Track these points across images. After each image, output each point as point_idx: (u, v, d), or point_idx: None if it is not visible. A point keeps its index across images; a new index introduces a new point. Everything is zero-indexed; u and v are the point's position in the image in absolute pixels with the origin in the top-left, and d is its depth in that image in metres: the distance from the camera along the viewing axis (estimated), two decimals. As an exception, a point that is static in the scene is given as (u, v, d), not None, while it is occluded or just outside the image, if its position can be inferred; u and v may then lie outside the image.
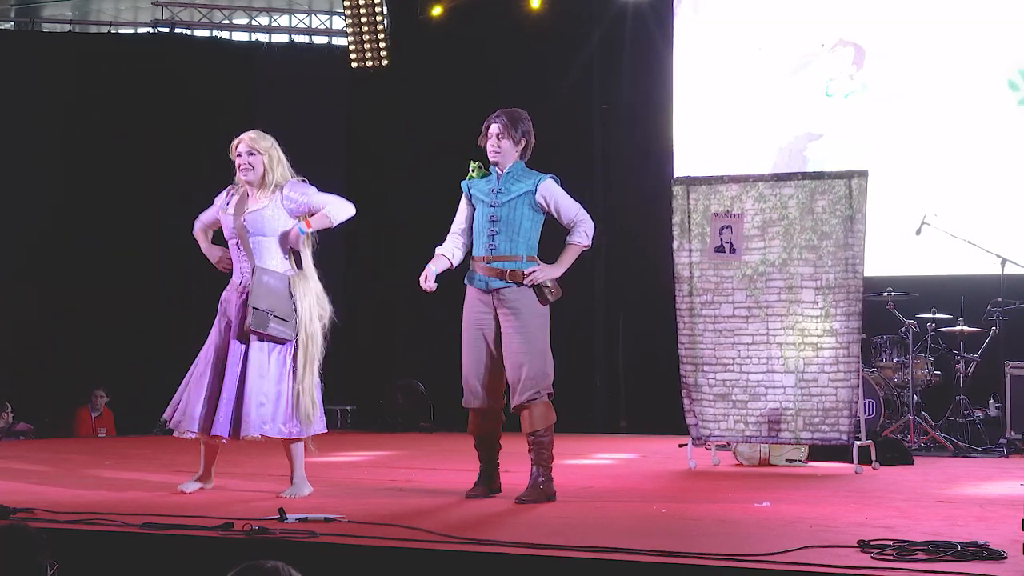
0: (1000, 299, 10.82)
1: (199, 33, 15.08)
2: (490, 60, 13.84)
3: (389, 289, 14.10)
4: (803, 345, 8.56)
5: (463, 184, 7.12)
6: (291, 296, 6.94)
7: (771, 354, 8.65)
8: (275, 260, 6.96)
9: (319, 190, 7.23)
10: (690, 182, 9.08)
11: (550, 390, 6.76)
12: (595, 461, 9.66)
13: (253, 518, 5.33)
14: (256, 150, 7.00)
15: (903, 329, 10.82)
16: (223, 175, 14.12)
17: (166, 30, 14.85)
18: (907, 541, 4.79)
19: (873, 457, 8.76)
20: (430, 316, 13.87)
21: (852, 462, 8.51)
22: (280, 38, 15.24)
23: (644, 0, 13.41)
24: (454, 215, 7.22)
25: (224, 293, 7.01)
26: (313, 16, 15.27)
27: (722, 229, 8.84)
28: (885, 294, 10.84)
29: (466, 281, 7.01)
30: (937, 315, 10.95)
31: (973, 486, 7.78)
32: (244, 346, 6.78)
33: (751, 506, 6.33)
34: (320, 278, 7.35)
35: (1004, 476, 8.24)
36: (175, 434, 6.87)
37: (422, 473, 8.42)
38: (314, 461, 9.44)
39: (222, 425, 6.71)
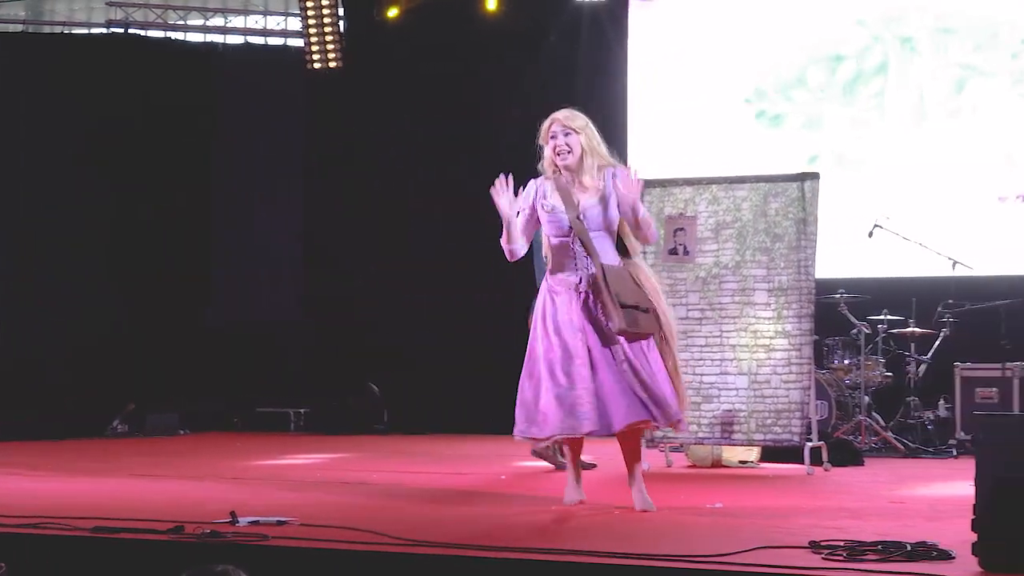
0: (951, 301, 10.91)
1: (153, 34, 14.99)
2: (448, 62, 13.82)
3: (346, 291, 14.08)
4: (756, 347, 8.60)
5: None
6: (639, 286, 6.32)
7: (724, 356, 8.69)
8: (611, 253, 6.39)
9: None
10: (644, 184, 9.09)
11: None
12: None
13: (204, 521, 5.31)
14: (572, 129, 6.37)
15: (855, 331, 10.88)
16: (184, 173, 14.26)
17: (120, 31, 14.76)
18: (858, 541, 4.83)
19: (825, 458, 8.80)
20: (386, 318, 13.91)
21: (804, 463, 8.56)
22: (235, 39, 15.17)
23: (600, 1, 13.45)
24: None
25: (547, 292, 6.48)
26: (268, 17, 15.21)
27: (676, 231, 8.88)
28: (837, 296, 10.89)
29: None
30: (888, 317, 11.02)
31: (923, 487, 7.85)
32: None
33: (704, 507, 6.36)
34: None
35: (954, 477, 8.29)
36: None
37: (377, 475, 8.40)
38: (267, 464, 9.44)
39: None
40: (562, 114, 6.40)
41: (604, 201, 6.31)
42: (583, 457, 8.49)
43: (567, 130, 6.34)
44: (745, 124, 12.71)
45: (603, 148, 6.40)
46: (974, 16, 12.07)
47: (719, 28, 12.95)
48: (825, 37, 12.55)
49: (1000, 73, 12.00)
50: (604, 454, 8.48)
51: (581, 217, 6.28)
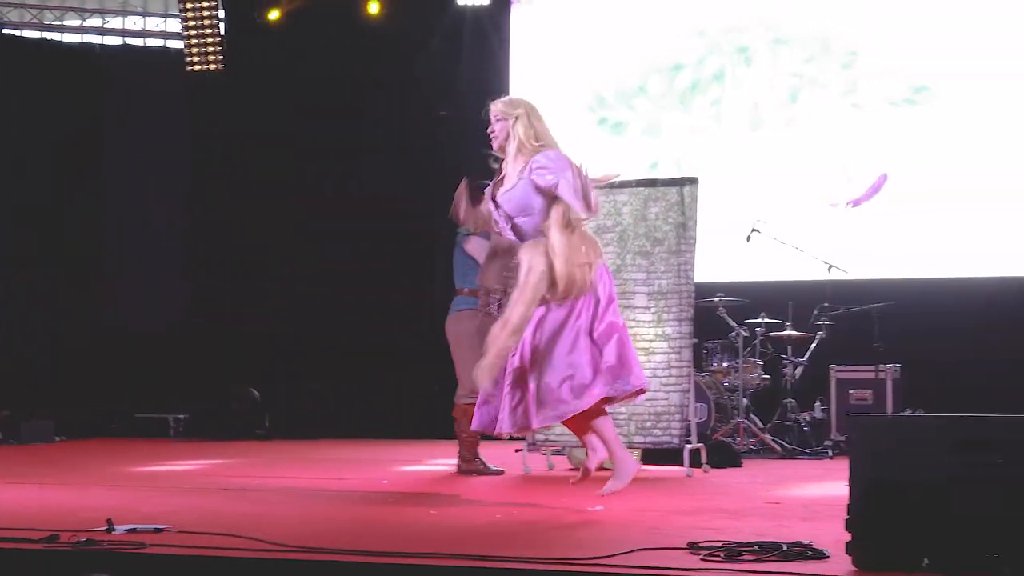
0: (826, 304, 11.11)
1: (29, 34, 14.73)
2: (331, 65, 13.79)
3: (225, 295, 13.95)
4: (636, 350, 8.65)
5: None
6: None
7: (605, 359, 8.73)
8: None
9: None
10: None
11: None
12: (431, 467, 9.67)
13: (80, 529, 5.22)
14: (501, 115, 6.39)
15: (733, 334, 11.03)
16: (63, 175, 14.04)
17: (-7, 31, 14.51)
18: (735, 542, 4.89)
19: (704, 460, 8.91)
20: (267, 322, 13.80)
21: (683, 465, 8.64)
22: (114, 40, 14.95)
23: (481, 5, 13.49)
24: None
25: None
26: (148, 19, 15.00)
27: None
28: (716, 299, 11.05)
29: None
30: (766, 320, 11.19)
31: (799, 487, 7.98)
32: None
33: (584, 510, 6.39)
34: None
35: (829, 477, 8.45)
36: None
37: (256, 481, 8.34)
38: (145, 470, 9.31)
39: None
40: (498, 100, 6.43)
41: (521, 187, 6.29)
42: (491, 465, 8.58)
43: (496, 115, 6.40)
44: (588, 129, 13.01)
45: (535, 135, 6.33)
46: (806, 28, 12.53)
47: (578, 34, 13.31)
48: (666, 46, 12.89)
49: (832, 83, 12.38)
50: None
51: (494, 205, 6.36)
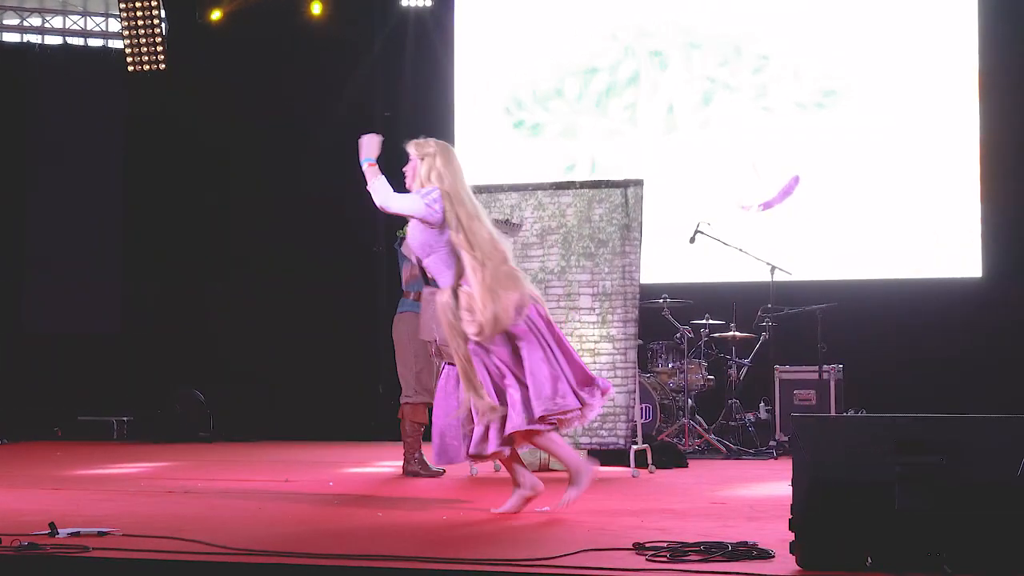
0: (769, 305, 11.17)
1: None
2: (273, 66, 13.72)
3: (168, 295, 13.85)
4: (581, 352, 8.64)
5: None
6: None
7: (550, 360, 8.75)
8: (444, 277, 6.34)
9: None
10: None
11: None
12: (378, 469, 9.66)
13: (22, 533, 5.18)
14: (412, 155, 6.37)
15: (678, 335, 11.08)
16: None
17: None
18: (681, 543, 4.92)
19: (649, 461, 8.95)
20: (210, 324, 13.74)
21: (629, 466, 8.67)
22: (54, 39, 14.82)
23: (425, 6, 13.50)
24: None
25: None
26: (88, 18, 14.88)
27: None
28: (661, 301, 11.09)
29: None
30: (711, 321, 11.25)
31: (744, 487, 8.02)
32: None
33: (530, 511, 6.40)
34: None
35: (773, 477, 8.51)
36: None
37: (201, 484, 8.29)
38: (89, 473, 9.24)
39: None
40: (412, 141, 6.38)
41: (413, 226, 6.34)
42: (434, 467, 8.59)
43: (411, 157, 6.36)
44: (505, 131, 13.10)
45: (438, 176, 6.24)
46: (719, 32, 12.67)
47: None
48: (580, 49, 13.00)
49: (744, 87, 12.50)
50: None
51: (399, 245, 6.47)
